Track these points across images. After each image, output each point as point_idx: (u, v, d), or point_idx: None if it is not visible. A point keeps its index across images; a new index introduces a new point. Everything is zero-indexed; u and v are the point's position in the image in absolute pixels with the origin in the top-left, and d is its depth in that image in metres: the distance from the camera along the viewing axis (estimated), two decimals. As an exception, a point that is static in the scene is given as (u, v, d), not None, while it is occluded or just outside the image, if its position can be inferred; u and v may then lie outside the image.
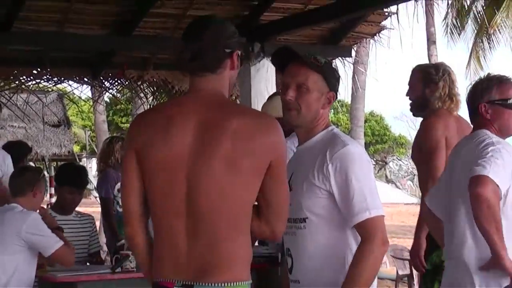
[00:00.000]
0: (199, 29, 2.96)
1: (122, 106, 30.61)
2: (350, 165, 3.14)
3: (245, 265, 2.85)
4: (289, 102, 3.27)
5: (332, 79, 3.30)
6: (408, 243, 19.17)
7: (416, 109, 5.15)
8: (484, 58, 25.84)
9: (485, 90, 3.91)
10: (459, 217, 3.82)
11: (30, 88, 10.76)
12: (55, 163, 35.23)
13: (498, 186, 3.60)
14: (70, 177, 6.27)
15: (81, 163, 33.37)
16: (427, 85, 5.00)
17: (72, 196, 6.19)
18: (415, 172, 42.22)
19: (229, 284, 2.78)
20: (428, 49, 24.38)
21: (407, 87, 5.14)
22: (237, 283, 2.80)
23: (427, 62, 23.91)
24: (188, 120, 2.84)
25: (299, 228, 3.22)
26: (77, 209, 6.40)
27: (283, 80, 3.32)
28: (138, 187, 2.92)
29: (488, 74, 4.06)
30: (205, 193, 2.78)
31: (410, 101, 5.16)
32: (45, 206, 6.06)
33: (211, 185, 2.78)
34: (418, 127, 5.95)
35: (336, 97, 3.34)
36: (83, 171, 6.64)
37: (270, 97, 6.04)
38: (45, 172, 31.10)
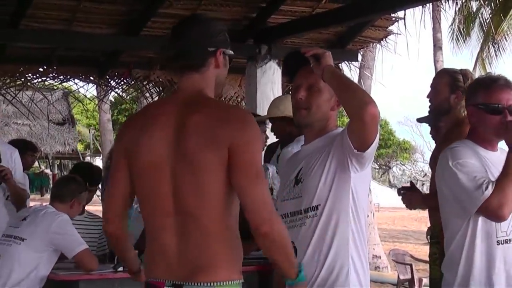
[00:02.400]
0: (183, 28, 3.00)
1: (128, 105, 30.61)
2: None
3: (234, 265, 2.86)
4: (299, 102, 3.35)
5: None
6: (409, 248, 19.19)
7: (437, 113, 4.99)
8: (490, 65, 25.81)
9: (473, 92, 3.77)
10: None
11: (35, 85, 10.78)
12: (58, 161, 35.32)
13: None
14: (84, 175, 6.28)
15: (85, 161, 33.38)
16: (454, 91, 4.87)
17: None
18: (418, 177, 42.15)
19: (218, 284, 2.80)
20: (434, 55, 24.38)
21: (416, 93, 5.05)
22: (227, 283, 2.81)
23: (433, 68, 23.93)
24: (169, 120, 2.88)
25: (311, 217, 3.29)
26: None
27: (295, 82, 3.41)
28: (123, 187, 2.98)
29: (488, 74, 3.98)
30: (188, 193, 2.81)
31: (431, 104, 4.99)
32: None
33: (191, 184, 2.81)
34: (422, 132, 5.93)
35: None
36: (96, 169, 6.66)
37: (283, 96, 6.01)
38: (48, 170, 31.19)
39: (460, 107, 4.79)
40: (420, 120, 5.40)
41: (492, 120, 3.65)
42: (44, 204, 5.64)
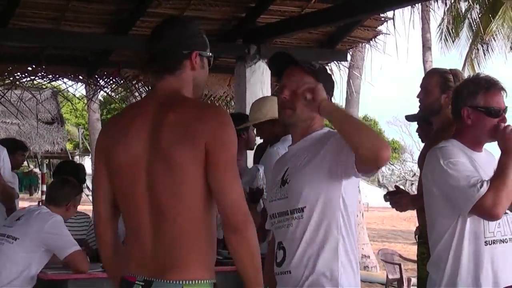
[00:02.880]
0: (159, 31, 3.03)
1: (117, 105, 30.57)
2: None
3: (206, 264, 2.87)
4: (284, 101, 3.38)
5: (326, 82, 3.39)
6: (398, 247, 19.23)
7: (428, 113, 4.99)
8: (479, 65, 25.89)
9: (471, 94, 3.77)
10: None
11: (24, 84, 10.75)
12: (47, 160, 35.21)
13: None
14: (69, 174, 6.27)
15: (70, 160, 33.29)
16: (445, 91, 4.86)
17: None
18: (407, 177, 42.21)
19: (187, 283, 2.81)
20: (423, 55, 24.43)
21: (405, 92, 5.06)
22: (196, 282, 2.83)
23: (422, 68, 23.97)
24: (145, 120, 2.91)
25: (296, 219, 3.30)
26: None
27: (281, 82, 3.44)
28: (107, 188, 3.02)
29: (478, 74, 3.96)
30: (163, 191, 2.84)
31: (421, 104, 4.97)
32: (38, 204, 6.07)
33: (166, 183, 2.83)
34: (411, 132, 5.96)
35: (330, 101, 3.41)
36: (81, 168, 6.65)
37: (265, 98, 6.01)
38: (37, 169, 31.13)
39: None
40: (408, 118, 5.41)
41: (490, 122, 3.70)
42: (35, 204, 5.64)
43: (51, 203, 5.43)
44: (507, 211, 3.70)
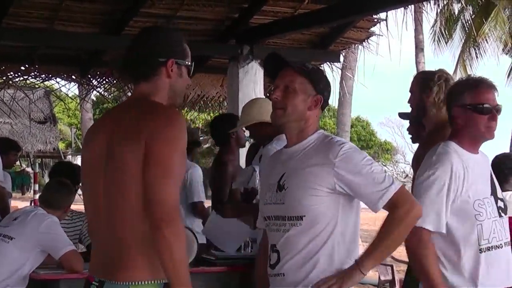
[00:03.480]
0: (136, 38, 3.10)
1: (109, 104, 30.56)
2: (359, 158, 3.24)
3: (154, 264, 2.86)
4: (275, 102, 3.37)
5: (319, 83, 3.38)
6: (391, 249, 19.20)
7: (416, 116, 5.01)
8: (471, 67, 25.97)
9: (459, 93, 3.75)
10: None
11: (17, 84, 10.74)
12: (39, 159, 35.16)
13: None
14: (64, 175, 6.26)
15: (66, 160, 33.28)
16: (423, 90, 4.88)
17: None
18: (400, 178, 42.32)
19: (134, 283, 2.85)
20: (416, 56, 24.51)
21: (398, 94, 5.07)
22: (144, 282, 2.85)
23: (415, 69, 24.03)
24: (109, 123, 2.99)
25: (295, 226, 3.27)
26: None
27: (274, 83, 3.43)
28: None
29: (469, 76, 3.98)
30: (111, 192, 2.89)
31: (411, 109, 5.00)
32: (30, 204, 6.08)
33: (114, 183, 2.88)
34: (403, 133, 5.98)
35: (325, 101, 3.40)
36: (77, 169, 6.65)
37: (254, 101, 6.01)
38: (30, 168, 31.07)
39: (429, 105, 4.81)
40: (401, 115, 5.43)
41: (481, 120, 3.65)
42: (27, 203, 5.66)
43: (47, 206, 5.44)
44: (502, 214, 3.68)
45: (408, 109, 5.03)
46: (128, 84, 9.68)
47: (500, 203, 3.71)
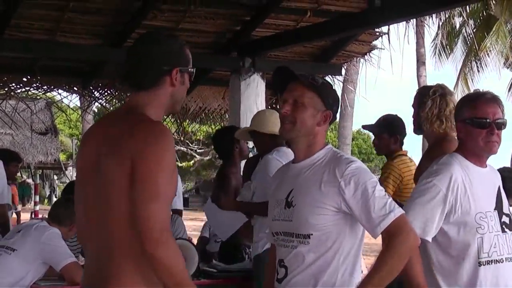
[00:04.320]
0: (137, 46, 3.02)
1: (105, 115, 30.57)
2: (364, 180, 3.21)
3: (142, 276, 2.83)
4: (284, 116, 3.34)
5: (328, 98, 3.36)
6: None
7: (414, 130, 5.05)
8: (472, 80, 25.99)
9: (460, 108, 3.74)
10: None
11: (19, 95, 10.75)
12: (40, 170, 35.16)
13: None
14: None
15: (67, 172, 33.34)
16: (420, 105, 4.92)
17: None
18: (401, 191, 42.34)
19: None
20: (418, 70, 24.51)
21: (399, 107, 5.12)
22: None
23: (416, 82, 24.04)
24: (97, 136, 2.97)
25: (302, 244, 3.28)
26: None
27: (283, 96, 3.40)
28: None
29: (475, 90, 3.94)
30: (99, 205, 2.87)
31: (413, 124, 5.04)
32: (30, 215, 6.07)
33: (101, 196, 2.85)
34: (404, 147, 5.98)
35: (334, 117, 3.39)
36: None
37: (271, 111, 6.00)
38: (30, 180, 31.05)
39: (423, 119, 4.84)
40: (365, 127, 5.47)
41: (479, 134, 3.62)
42: (27, 214, 5.69)
43: (55, 221, 5.46)
44: (506, 230, 3.65)
45: (409, 120, 5.07)
46: (129, 93, 9.68)
47: (505, 219, 3.67)
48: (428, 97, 4.86)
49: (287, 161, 4.08)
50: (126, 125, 2.88)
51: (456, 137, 4.75)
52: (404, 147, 6.07)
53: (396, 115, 6.13)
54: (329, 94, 3.37)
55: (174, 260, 2.78)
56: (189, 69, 3.04)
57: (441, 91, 4.90)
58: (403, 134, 6.05)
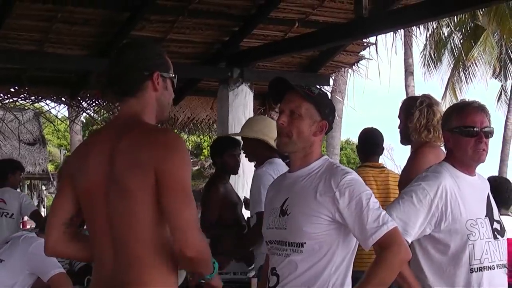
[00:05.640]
0: (117, 53, 3.03)
1: (99, 126, 30.52)
2: (358, 191, 3.23)
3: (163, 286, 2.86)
4: (281, 127, 3.36)
5: (324, 109, 3.38)
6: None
7: (402, 141, 5.09)
8: (460, 90, 26.11)
9: (447, 117, 3.77)
10: None
11: (7, 105, 10.73)
12: (29, 181, 35.05)
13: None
14: None
15: (55, 182, 33.19)
16: (407, 116, 4.96)
17: None
18: (389, 201, 42.49)
19: None
20: (406, 80, 24.59)
21: (388, 117, 5.18)
22: None
23: (404, 93, 24.11)
24: (104, 147, 2.92)
25: (295, 252, 3.28)
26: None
27: (280, 107, 3.43)
28: (68, 203, 3.03)
29: (461, 100, 3.97)
30: (118, 217, 2.85)
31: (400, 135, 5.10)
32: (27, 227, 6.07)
33: (120, 208, 2.84)
34: (392, 156, 6.06)
35: (330, 126, 3.41)
36: None
37: (262, 117, 6.00)
38: (18, 190, 30.95)
39: (411, 130, 4.89)
40: None
41: (467, 143, 3.64)
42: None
43: (42, 232, 5.44)
44: (498, 237, 3.67)
45: (396, 130, 5.09)
46: (115, 103, 9.68)
47: (496, 225, 3.69)
48: (415, 108, 4.91)
49: (279, 173, 4.09)
50: (138, 136, 2.87)
51: (439, 145, 4.84)
52: (399, 157, 6.22)
53: (372, 127, 6.40)
54: (325, 105, 3.39)
55: (208, 250, 2.88)
56: (171, 75, 3.04)
57: (428, 102, 4.94)
58: (373, 144, 6.29)
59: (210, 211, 5.99)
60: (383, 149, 6.36)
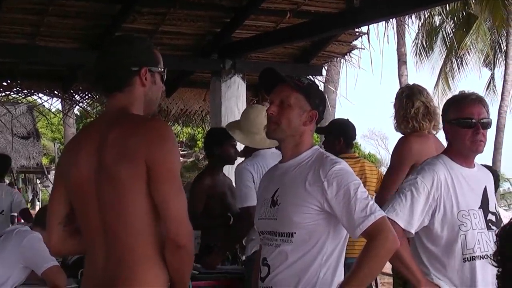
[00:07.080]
0: (105, 49, 3.06)
1: (92, 119, 30.50)
2: (347, 181, 3.24)
3: (155, 279, 2.87)
4: (270, 117, 3.39)
5: (314, 99, 3.40)
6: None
7: (395, 129, 5.16)
8: (453, 79, 26.12)
9: (445, 109, 3.83)
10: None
11: (-1, 99, 10.73)
12: (23, 175, 35.04)
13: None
14: None
15: (49, 176, 33.20)
16: (394, 105, 5.06)
17: None
18: (384, 190, 42.56)
19: None
20: (399, 69, 24.61)
21: (381, 106, 5.26)
22: None
23: (397, 82, 24.11)
24: (93, 139, 2.94)
25: (286, 242, 3.31)
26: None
27: (270, 98, 3.45)
28: (57, 208, 3.07)
29: (460, 92, 3.96)
30: (109, 208, 2.87)
31: None
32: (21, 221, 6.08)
33: (112, 199, 2.85)
34: (387, 146, 6.12)
35: (320, 116, 3.42)
36: None
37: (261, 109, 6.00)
38: (13, 184, 30.93)
39: (399, 123, 4.95)
40: (317, 130, 5.60)
41: (465, 134, 3.69)
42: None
43: (38, 225, 5.42)
44: (493, 227, 3.71)
45: (390, 120, 5.15)
46: (104, 96, 9.66)
47: (491, 217, 3.75)
48: (396, 99, 4.99)
49: (260, 167, 4.09)
50: (127, 126, 2.89)
51: (429, 134, 4.91)
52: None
53: (346, 119, 6.55)
54: (315, 95, 3.41)
55: (190, 258, 2.92)
56: (159, 69, 3.05)
57: (407, 92, 5.00)
58: (349, 136, 6.40)
59: (195, 202, 6.00)
60: None
